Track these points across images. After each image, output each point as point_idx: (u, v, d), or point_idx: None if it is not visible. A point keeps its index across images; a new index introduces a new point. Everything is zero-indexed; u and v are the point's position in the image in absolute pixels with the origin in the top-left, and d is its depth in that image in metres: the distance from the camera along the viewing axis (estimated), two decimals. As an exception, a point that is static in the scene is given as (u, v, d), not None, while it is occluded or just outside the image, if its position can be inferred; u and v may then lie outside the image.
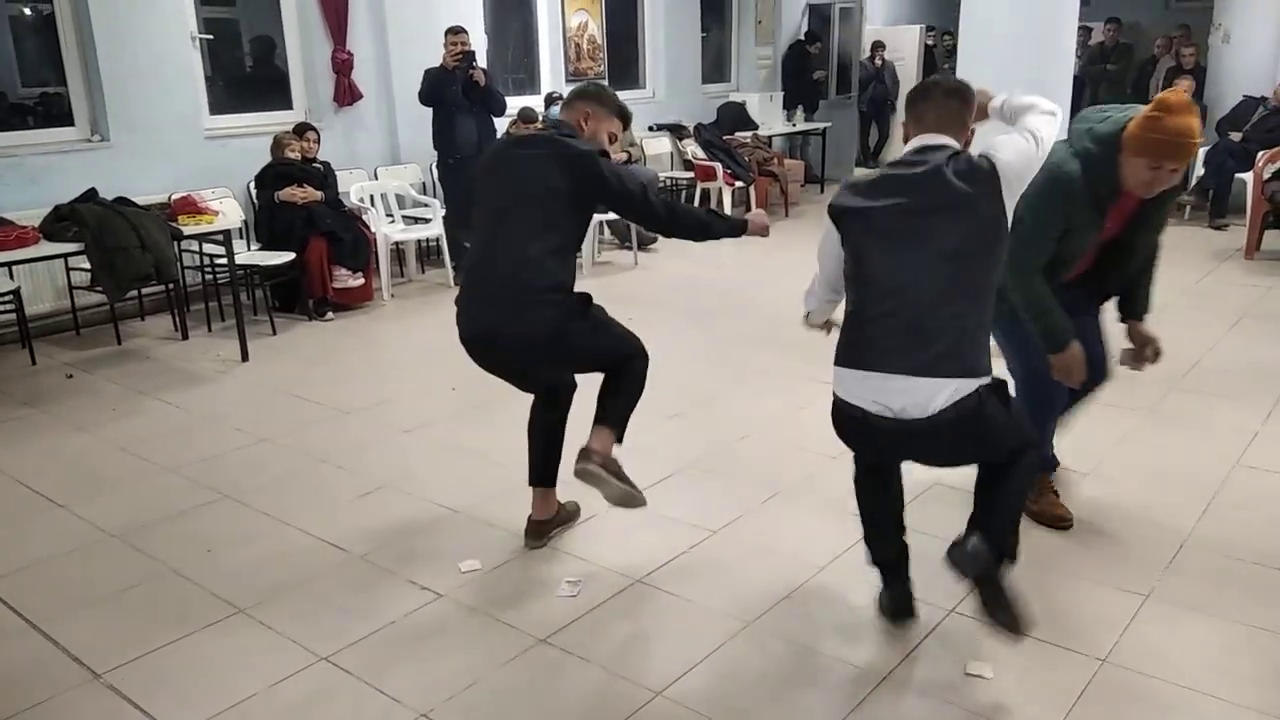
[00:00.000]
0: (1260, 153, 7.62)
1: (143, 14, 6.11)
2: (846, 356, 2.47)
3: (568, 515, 3.40)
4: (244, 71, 7.50)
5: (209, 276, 6.01)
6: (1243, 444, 3.96)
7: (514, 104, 7.33)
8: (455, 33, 6.62)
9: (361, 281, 6.26)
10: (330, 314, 6.13)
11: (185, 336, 5.80)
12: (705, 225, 3.10)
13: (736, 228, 3.13)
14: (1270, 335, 5.40)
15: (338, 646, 2.74)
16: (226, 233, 5.35)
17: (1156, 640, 2.68)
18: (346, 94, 7.21)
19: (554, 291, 2.85)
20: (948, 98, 2.54)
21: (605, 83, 9.06)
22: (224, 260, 5.46)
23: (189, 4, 6.47)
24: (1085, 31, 10.08)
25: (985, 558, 2.37)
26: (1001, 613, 2.37)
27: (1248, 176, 7.61)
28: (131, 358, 5.50)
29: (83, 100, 6.07)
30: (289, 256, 5.92)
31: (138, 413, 4.66)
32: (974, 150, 2.48)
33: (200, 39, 6.60)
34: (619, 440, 3.03)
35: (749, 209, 9.16)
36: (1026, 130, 2.51)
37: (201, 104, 6.60)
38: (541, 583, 3.06)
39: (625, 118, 3.16)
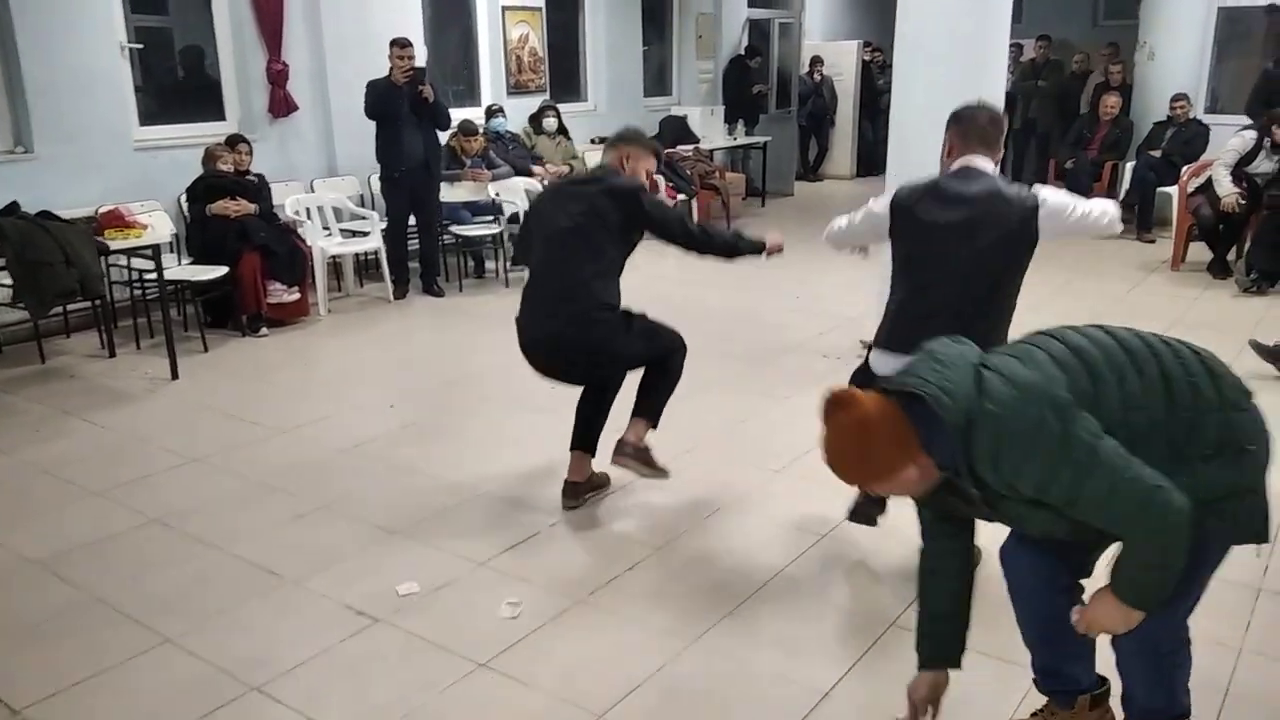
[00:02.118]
0: (1185, 168, 7.86)
1: (69, 22, 5.93)
2: (889, 341, 2.89)
3: (600, 482, 3.70)
4: (176, 81, 7.33)
5: (138, 292, 5.84)
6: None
7: (454, 115, 7.26)
8: (401, 45, 6.52)
9: (297, 296, 6.14)
10: (264, 330, 6.00)
11: (112, 354, 5.62)
12: (733, 245, 3.56)
13: (758, 247, 3.56)
14: (1197, 344, 5.55)
15: (270, 676, 2.66)
16: (156, 247, 5.21)
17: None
18: (282, 105, 7.08)
19: (603, 309, 3.35)
20: (992, 124, 2.94)
21: (549, 97, 9.06)
22: (153, 275, 5.31)
23: (118, 12, 6.30)
24: (1017, 49, 10.32)
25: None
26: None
27: (1172, 190, 7.85)
28: (56, 377, 5.32)
29: (5, 110, 5.87)
30: (221, 271, 5.77)
31: (62, 434, 4.50)
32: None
33: (130, 48, 6.43)
34: (654, 427, 3.53)
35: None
36: (1073, 196, 2.91)
37: (131, 115, 6.43)
38: (482, 604, 3.01)
39: (659, 154, 3.66)
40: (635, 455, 3.46)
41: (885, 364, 2.84)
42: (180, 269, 5.89)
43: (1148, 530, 1.78)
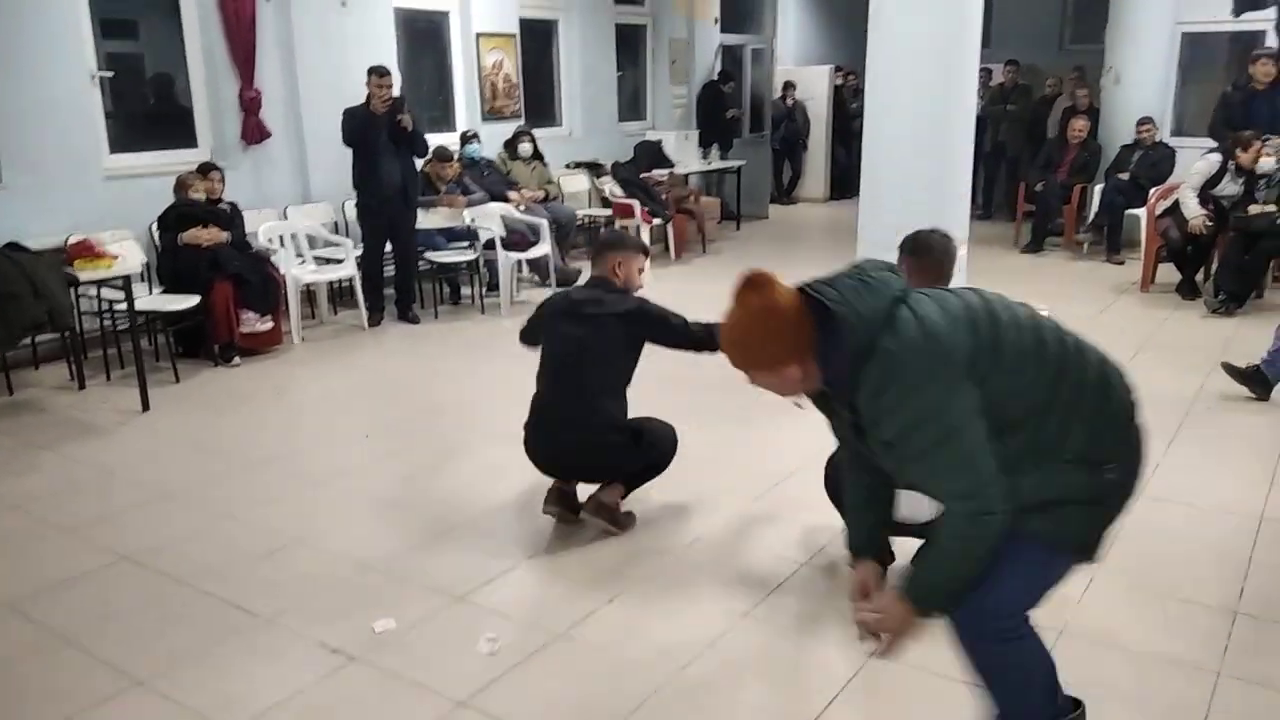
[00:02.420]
0: (1153, 190, 7.97)
1: (38, 50, 5.88)
2: None
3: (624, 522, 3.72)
4: (147, 108, 7.28)
5: (108, 322, 5.77)
6: (1145, 474, 4.07)
7: (429, 142, 7.24)
8: (381, 75, 6.51)
9: (270, 325, 6.09)
10: (237, 359, 5.93)
11: (82, 386, 5.54)
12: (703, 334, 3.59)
13: None
14: (1168, 365, 5.61)
15: (243, 718, 2.60)
16: (126, 278, 5.15)
17: (1072, 676, 2.71)
18: (254, 132, 7.05)
19: (613, 432, 3.52)
20: (944, 257, 3.09)
21: (524, 122, 9.07)
22: (124, 305, 5.25)
23: (88, 39, 6.26)
24: (986, 73, 10.45)
25: None
26: None
27: (1140, 212, 7.96)
28: (24, 409, 5.23)
29: (-29, 140, 5.80)
30: (193, 301, 5.71)
31: (30, 469, 4.42)
32: None
33: (100, 76, 6.38)
34: (625, 495, 3.67)
35: (666, 246, 9.22)
36: None
37: (101, 143, 6.37)
38: (460, 640, 2.97)
39: (645, 251, 3.75)
40: (602, 515, 3.62)
41: None
42: (151, 299, 5.83)
43: (958, 517, 1.85)
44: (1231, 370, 5.04)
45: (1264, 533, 3.56)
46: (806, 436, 4.46)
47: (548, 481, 3.68)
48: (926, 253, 3.08)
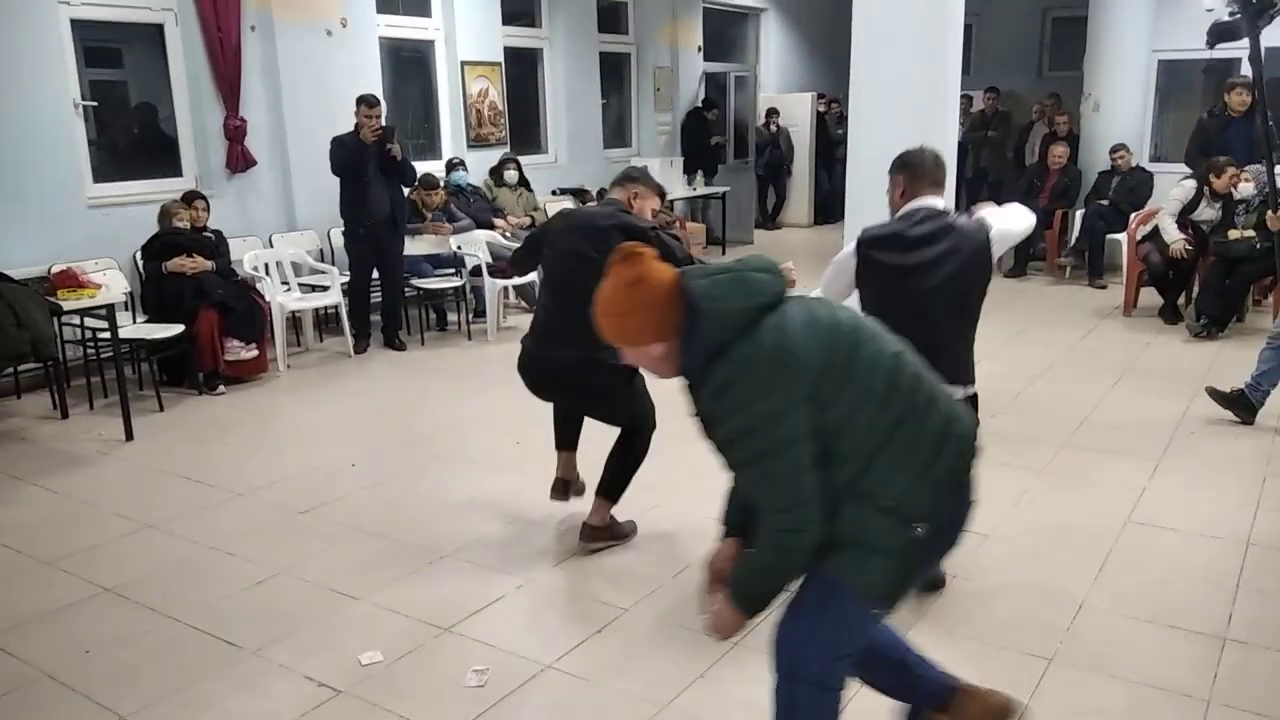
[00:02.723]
0: (1133, 215, 8.06)
1: (21, 79, 5.87)
2: None
3: (623, 531, 3.81)
4: (131, 137, 7.27)
5: (91, 351, 5.73)
6: (1132, 500, 4.10)
7: (415, 169, 7.25)
8: (370, 105, 6.53)
9: (255, 353, 6.06)
10: (222, 387, 5.90)
11: (65, 415, 5.49)
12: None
13: None
14: (1151, 390, 5.65)
15: (228, 755, 2.57)
16: (110, 307, 5.12)
17: (1063, 705, 2.72)
18: (239, 160, 7.04)
19: (607, 349, 3.29)
20: (938, 166, 3.25)
21: (509, 149, 9.09)
22: (107, 334, 5.21)
23: (71, 68, 6.25)
24: (967, 100, 10.57)
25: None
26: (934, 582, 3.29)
27: (1121, 237, 8.04)
28: (6, 439, 5.18)
29: (-46, 169, 5.78)
30: (177, 329, 5.68)
31: (12, 500, 4.37)
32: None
33: (84, 105, 6.37)
34: (613, 504, 3.73)
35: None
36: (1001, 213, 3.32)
37: (84, 172, 6.35)
38: (447, 672, 2.94)
39: (662, 194, 3.79)
40: (600, 537, 3.73)
41: None
42: (135, 327, 5.80)
43: (772, 529, 1.89)
44: (1216, 395, 5.08)
45: (1250, 557, 3.57)
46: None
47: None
48: (916, 164, 3.22)
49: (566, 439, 3.89)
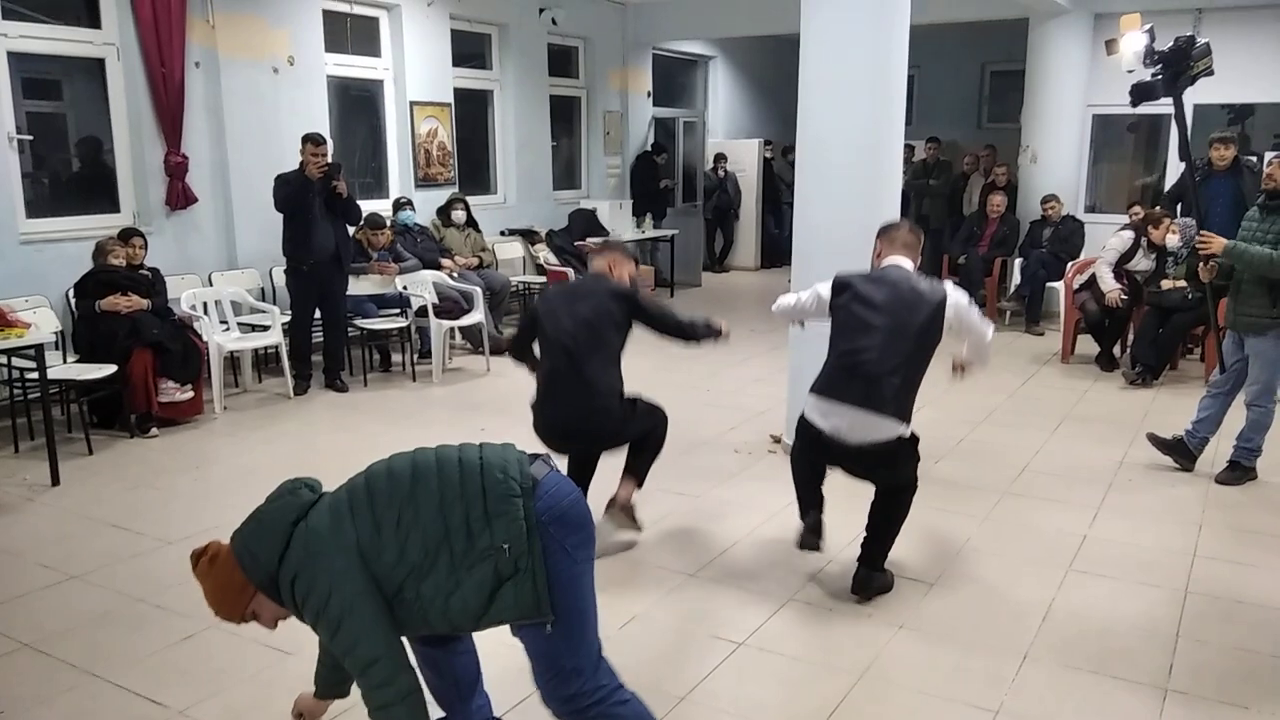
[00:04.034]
0: (1070, 264, 8.26)
1: (-48, 111, 5.71)
2: (824, 390, 3.54)
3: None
4: (68, 171, 7.10)
5: (18, 392, 5.53)
6: (1073, 549, 4.15)
7: (362, 208, 7.17)
8: (316, 143, 6.46)
9: (190, 394, 5.89)
10: (155, 430, 5.72)
11: (-13, 458, 5.29)
12: (704, 332, 4.15)
13: (715, 332, 4.15)
14: (1089, 437, 5.76)
15: (150, 824, 2.44)
16: (39, 347, 4.95)
17: (1009, 760, 2.71)
18: (180, 197, 6.91)
19: (612, 397, 3.94)
20: (911, 234, 3.76)
21: (458, 189, 9.06)
22: (35, 375, 5.04)
23: (7, 100, 6.10)
24: (909, 149, 10.80)
25: (877, 581, 3.68)
26: (872, 591, 3.66)
27: (1058, 285, 8.23)
28: (-79, 484, 4.96)
29: (-123, 202, 5.58)
30: (109, 369, 5.51)
31: (-75, 549, 4.17)
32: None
33: (19, 139, 6.21)
34: (640, 486, 4.14)
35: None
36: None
37: (17, 206, 6.17)
38: (385, 732, 2.84)
39: (636, 260, 4.31)
40: (624, 511, 4.09)
41: (815, 407, 3.57)
42: (65, 367, 5.62)
43: (366, 686, 2.17)
44: (1156, 441, 5.18)
45: (1189, 606, 3.62)
46: (761, 499, 4.47)
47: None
48: (892, 228, 3.79)
49: (581, 485, 4.00)
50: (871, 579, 3.66)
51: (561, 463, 4.07)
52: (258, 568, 2.18)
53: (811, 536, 3.66)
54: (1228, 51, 7.99)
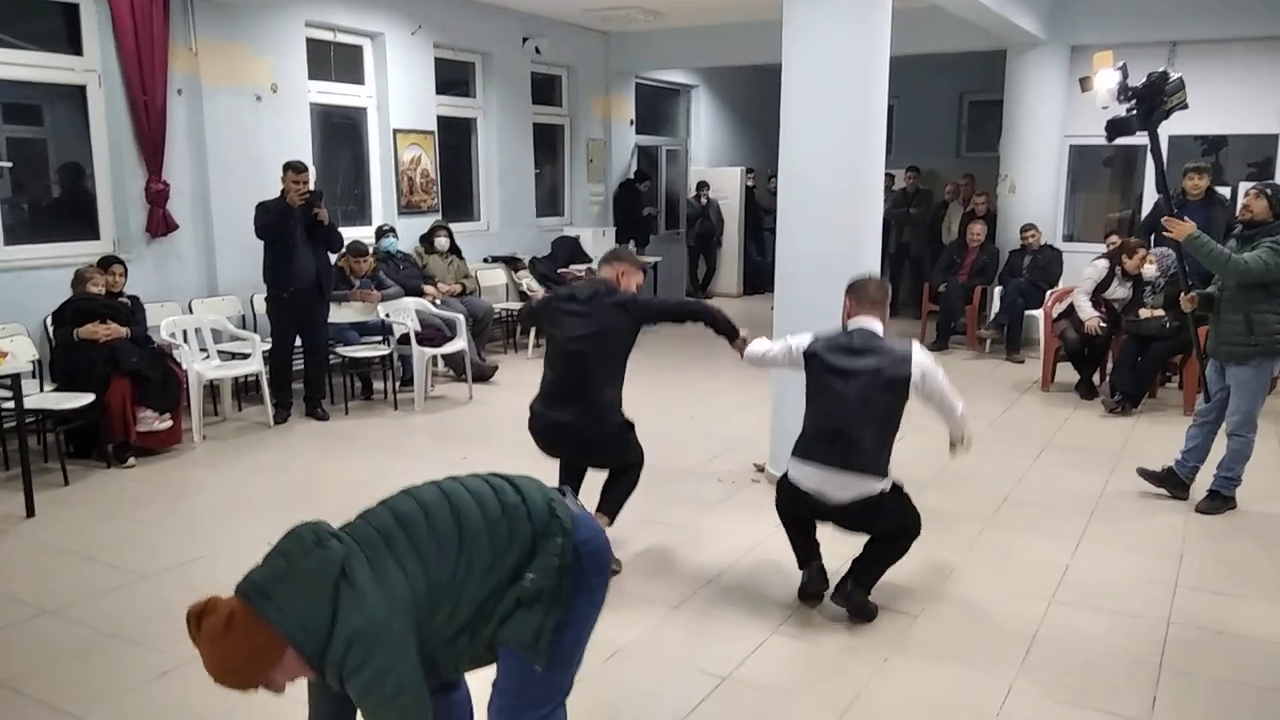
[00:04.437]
0: (1049, 293, 8.33)
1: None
2: (804, 452, 3.68)
3: None
4: (48, 197, 7.06)
5: (-8, 421, 5.46)
6: (1055, 579, 4.16)
7: (345, 235, 7.15)
8: (297, 170, 6.44)
9: (169, 424, 5.83)
10: (132, 460, 5.66)
11: (-40, 489, 5.20)
12: (721, 318, 4.18)
13: (734, 331, 4.15)
14: (1070, 465, 5.78)
15: None
16: (15, 376, 4.89)
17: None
18: (160, 224, 6.87)
19: (611, 411, 4.08)
20: (879, 290, 3.85)
21: (441, 217, 9.06)
22: (11, 404, 4.97)
23: (-15, 126, 6.08)
24: (889, 178, 10.90)
25: (860, 596, 3.73)
26: (862, 616, 3.72)
27: (1038, 313, 8.30)
28: (-108, 515, 4.88)
29: None
30: (87, 398, 5.45)
31: (-106, 583, 4.09)
32: None
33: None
34: (611, 523, 4.11)
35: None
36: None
37: (-5, 233, 6.13)
38: (365, 771, 2.79)
39: (645, 270, 4.33)
40: None
41: (798, 470, 3.70)
42: (42, 396, 5.55)
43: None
44: (1147, 475, 5.17)
45: (1172, 637, 3.63)
46: (745, 528, 4.45)
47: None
48: (861, 287, 3.84)
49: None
50: (854, 594, 3.72)
51: (551, 470, 4.15)
52: (309, 637, 1.91)
53: (814, 585, 3.82)
54: (1201, 83, 8.14)
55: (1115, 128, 4.73)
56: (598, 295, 4.12)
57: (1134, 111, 4.65)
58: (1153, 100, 4.58)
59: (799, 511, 3.81)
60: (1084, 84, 4.81)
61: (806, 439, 3.71)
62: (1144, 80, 4.58)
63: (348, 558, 1.99)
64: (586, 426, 4.04)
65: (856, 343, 3.71)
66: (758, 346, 4.07)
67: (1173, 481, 5.11)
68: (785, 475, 3.79)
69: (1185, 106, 4.60)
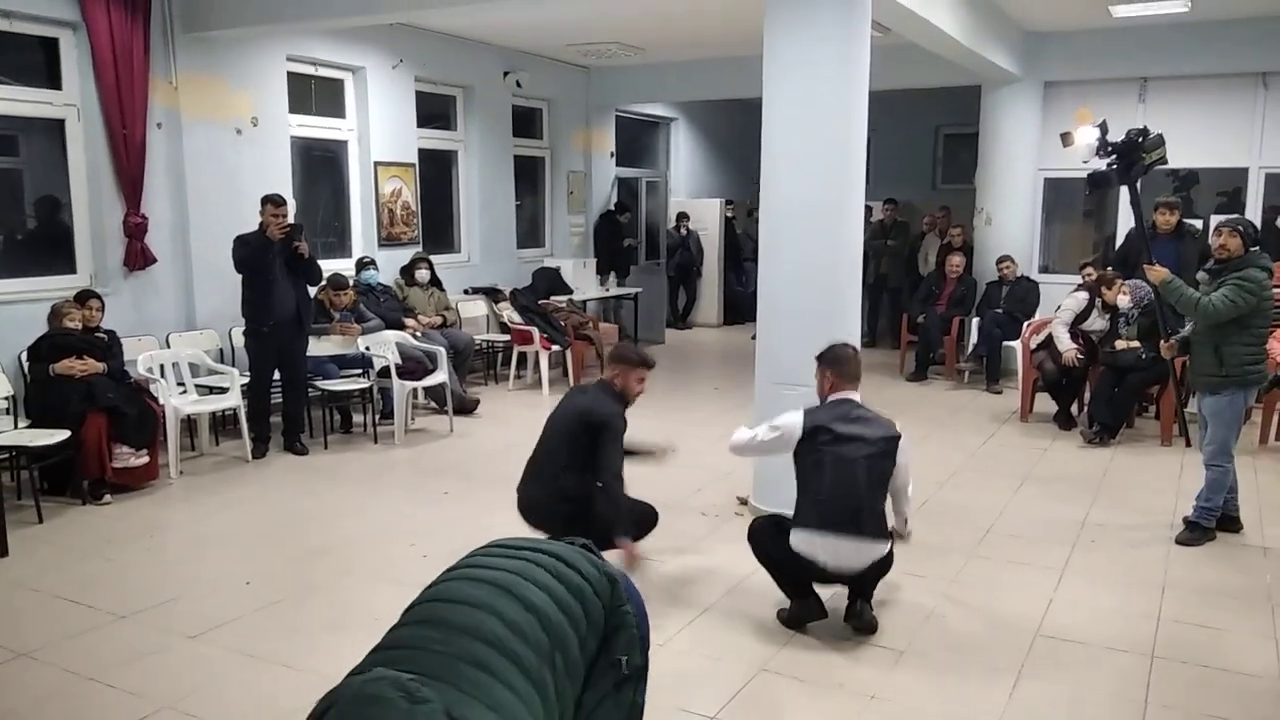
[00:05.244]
0: (1026, 324, 8.41)
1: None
2: (813, 522, 3.78)
3: None
4: (23, 231, 6.99)
5: (-35, 458, 5.37)
6: (1039, 612, 4.16)
7: (325, 268, 7.13)
8: (276, 204, 6.42)
9: (146, 460, 5.75)
10: (108, 497, 5.57)
11: (-70, 528, 5.09)
12: (616, 519, 4.12)
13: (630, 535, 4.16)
14: (1051, 496, 5.81)
15: None
16: (-11, 413, 4.83)
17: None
18: (138, 258, 6.82)
19: (561, 499, 4.20)
20: (856, 364, 4.02)
21: (421, 248, 9.05)
22: (-16, 442, 4.90)
23: (-40, 160, 6.02)
24: (867, 210, 10.98)
25: (869, 613, 3.91)
26: (867, 627, 3.89)
27: (1016, 344, 8.37)
28: None
29: None
30: (62, 435, 5.37)
31: None
32: None
33: (-28, 199, 6.12)
34: None
35: (565, 371, 9.21)
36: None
37: (-33, 268, 6.06)
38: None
39: (647, 365, 4.38)
40: None
41: (811, 542, 3.79)
42: (16, 433, 5.47)
43: None
44: (1191, 540, 4.97)
45: (1156, 671, 3.63)
46: (729, 564, 4.43)
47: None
48: (843, 362, 4.00)
49: None
50: (864, 612, 3.89)
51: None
52: None
53: (814, 617, 3.96)
54: (1171, 118, 8.32)
55: (1096, 182, 4.83)
56: (586, 394, 4.39)
57: (1114, 166, 4.74)
58: (1131, 156, 4.68)
59: (802, 578, 3.91)
60: (1065, 139, 4.91)
61: (818, 510, 3.80)
62: (1123, 136, 4.68)
63: (450, 707, 1.63)
64: (541, 506, 4.26)
65: (852, 413, 3.89)
66: (741, 435, 4.20)
67: (1201, 531, 5.01)
68: (789, 546, 3.86)
69: (1165, 162, 4.71)
